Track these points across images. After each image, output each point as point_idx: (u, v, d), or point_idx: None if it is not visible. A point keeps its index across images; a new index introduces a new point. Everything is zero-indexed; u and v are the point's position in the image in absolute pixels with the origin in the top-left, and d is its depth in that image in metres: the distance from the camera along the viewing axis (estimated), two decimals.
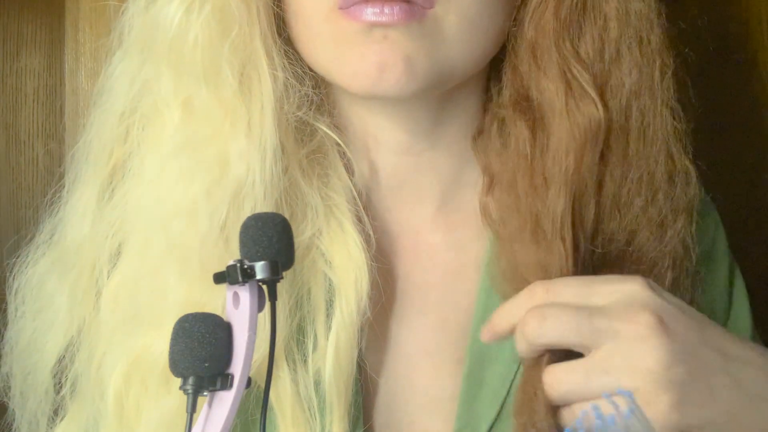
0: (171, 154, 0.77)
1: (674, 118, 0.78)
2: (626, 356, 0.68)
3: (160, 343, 0.75)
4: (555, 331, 0.70)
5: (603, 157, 0.78)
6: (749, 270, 0.92)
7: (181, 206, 0.76)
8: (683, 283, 0.79)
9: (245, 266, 0.59)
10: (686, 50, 0.80)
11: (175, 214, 0.76)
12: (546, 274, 0.76)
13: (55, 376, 0.81)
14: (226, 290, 0.63)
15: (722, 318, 0.87)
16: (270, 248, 0.60)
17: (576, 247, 0.77)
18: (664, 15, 0.77)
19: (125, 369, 0.77)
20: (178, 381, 0.72)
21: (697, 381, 0.69)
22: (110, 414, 0.77)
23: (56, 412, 0.82)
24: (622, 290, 0.71)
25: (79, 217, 0.81)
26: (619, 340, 0.69)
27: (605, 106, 0.77)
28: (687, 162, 0.79)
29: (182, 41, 0.76)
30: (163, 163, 0.77)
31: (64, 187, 0.83)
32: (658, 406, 0.67)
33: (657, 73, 0.77)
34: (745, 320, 0.88)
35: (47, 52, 1.07)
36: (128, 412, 0.77)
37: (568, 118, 0.77)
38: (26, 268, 0.82)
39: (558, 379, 0.71)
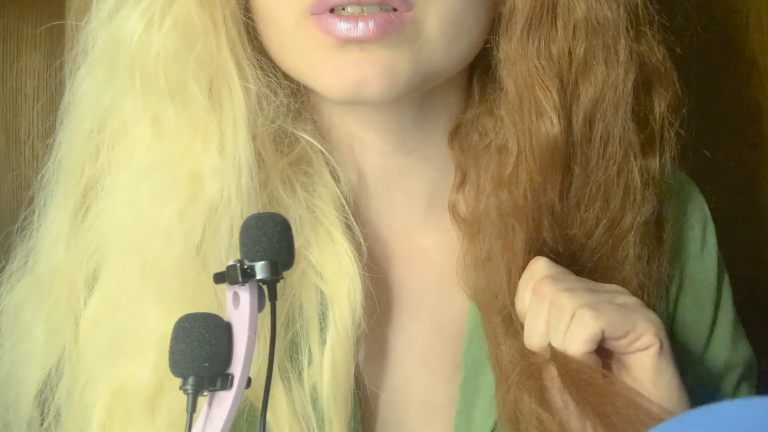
0: (142, 174, 0.74)
1: (638, 130, 0.78)
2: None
3: (142, 372, 0.73)
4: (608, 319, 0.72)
5: (568, 166, 0.78)
6: (749, 270, 0.93)
7: (155, 229, 0.73)
8: (648, 289, 0.81)
9: (245, 266, 0.59)
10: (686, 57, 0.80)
11: (150, 237, 0.73)
12: (507, 280, 0.77)
13: (39, 407, 0.79)
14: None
15: (710, 314, 0.87)
16: (270, 248, 0.60)
17: (537, 249, 0.78)
18: (633, 26, 0.77)
19: (107, 400, 0.75)
20: (163, 410, 0.72)
21: None
22: None
23: None
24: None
25: (52, 241, 0.79)
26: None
27: (567, 119, 0.76)
28: (640, 177, 0.79)
29: (144, 58, 0.74)
30: (134, 184, 0.75)
31: (34, 211, 0.81)
32: (651, 313, 0.75)
33: (622, 86, 0.76)
34: (726, 324, 0.88)
35: (47, 52, 1.07)
36: None
37: (529, 134, 0.77)
38: (1, 296, 0.80)
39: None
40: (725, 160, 1.03)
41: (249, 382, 0.60)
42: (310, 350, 0.76)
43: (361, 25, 0.70)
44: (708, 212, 0.89)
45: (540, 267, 0.76)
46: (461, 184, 0.82)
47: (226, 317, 0.61)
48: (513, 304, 0.78)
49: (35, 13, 1.07)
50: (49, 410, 0.79)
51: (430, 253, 0.83)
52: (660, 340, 0.73)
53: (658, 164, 0.80)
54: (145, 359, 0.73)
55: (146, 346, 0.73)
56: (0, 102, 1.07)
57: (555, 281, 0.75)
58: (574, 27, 0.76)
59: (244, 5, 0.77)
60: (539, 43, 0.76)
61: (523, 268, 0.78)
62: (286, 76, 0.78)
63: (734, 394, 0.86)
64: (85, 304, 0.77)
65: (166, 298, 0.72)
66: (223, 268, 0.68)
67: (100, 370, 0.75)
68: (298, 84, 0.78)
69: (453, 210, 0.82)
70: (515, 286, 0.78)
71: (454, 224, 0.82)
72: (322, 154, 0.80)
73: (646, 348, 0.73)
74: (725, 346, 0.87)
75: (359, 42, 0.71)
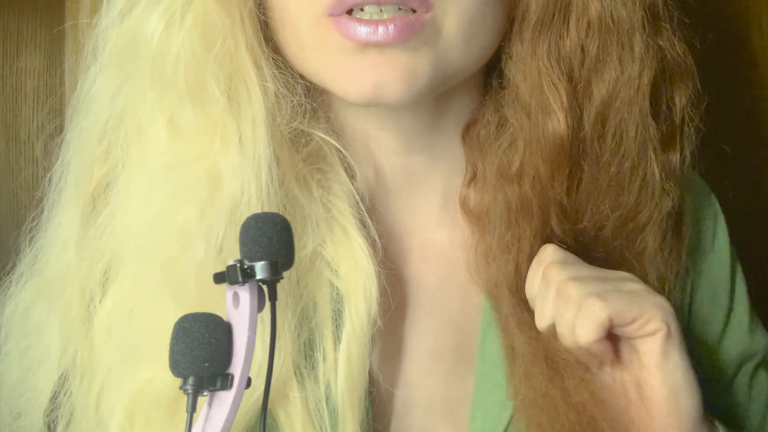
0: (159, 175, 0.74)
1: (655, 126, 0.78)
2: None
3: (161, 376, 0.73)
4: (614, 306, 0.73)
5: (578, 162, 0.78)
6: (750, 270, 0.92)
7: (174, 230, 0.72)
8: (669, 281, 0.81)
9: (245, 266, 0.59)
10: (696, 43, 0.80)
11: (168, 238, 0.73)
12: (516, 270, 0.78)
13: (49, 415, 0.78)
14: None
15: (725, 307, 0.88)
16: (270, 248, 0.60)
17: (545, 240, 0.79)
18: (650, 23, 0.77)
19: (127, 406, 0.74)
20: (184, 414, 0.71)
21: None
22: None
23: None
24: None
25: (62, 243, 0.78)
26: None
27: (578, 117, 0.76)
28: (660, 171, 0.79)
29: (164, 57, 0.73)
30: (151, 185, 0.74)
31: (42, 212, 0.80)
32: (658, 297, 0.76)
33: (637, 82, 0.77)
34: (742, 315, 0.88)
35: (47, 52, 1.07)
36: None
37: (536, 131, 0.77)
38: (8, 300, 0.79)
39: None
40: (725, 160, 1.02)
41: (249, 382, 0.60)
42: (324, 348, 0.76)
43: (381, 29, 0.70)
44: (718, 207, 0.89)
45: (548, 253, 0.78)
46: (472, 179, 0.83)
47: (226, 317, 0.61)
48: (523, 292, 0.79)
49: (35, 13, 1.07)
50: (61, 417, 0.77)
51: (444, 250, 0.83)
52: (667, 325, 0.73)
53: (678, 158, 0.80)
54: (164, 363, 0.72)
55: (165, 350, 0.71)
56: (0, 102, 1.07)
57: (563, 267, 0.76)
58: (588, 25, 0.76)
59: (261, 4, 0.76)
60: (549, 42, 0.76)
61: (532, 258, 0.79)
62: (301, 76, 0.77)
63: (750, 382, 0.87)
64: (98, 308, 0.76)
65: (186, 301, 0.71)
66: None
67: (117, 375, 0.75)
68: (312, 83, 0.78)
69: (464, 204, 0.83)
70: (525, 277, 0.79)
71: (465, 218, 0.82)
72: (338, 151, 0.80)
73: (654, 333, 0.73)
74: (741, 337, 0.87)
75: (378, 46, 0.71)
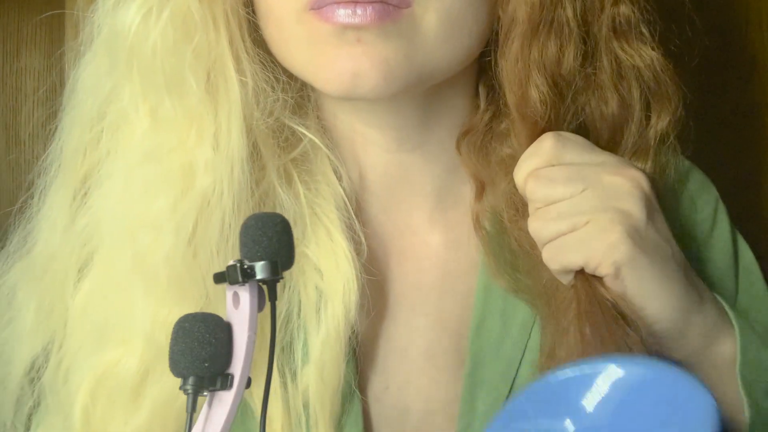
0: (137, 164, 0.75)
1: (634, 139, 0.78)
2: (607, 197, 0.72)
3: (128, 360, 0.74)
4: (547, 187, 0.73)
5: None
6: None
7: (147, 219, 0.74)
8: None
9: (245, 266, 0.59)
10: (685, 56, 0.80)
11: (141, 227, 0.74)
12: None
13: (31, 386, 0.80)
14: (190, 307, 0.66)
15: (731, 296, 0.86)
16: (270, 248, 0.60)
17: None
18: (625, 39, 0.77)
19: (92, 385, 0.75)
20: (147, 399, 0.73)
21: (649, 243, 0.72)
22: (77, 430, 0.76)
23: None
24: (619, 161, 0.76)
25: (50, 226, 0.79)
26: (605, 186, 0.72)
27: (559, 122, 0.76)
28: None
29: (142, 48, 0.74)
30: (129, 174, 0.76)
31: (34, 195, 0.82)
32: (612, 235, 0.71)
33: (617, 94, 0.77)
34: (759, 290, 0.87)
35: (47, 52, 1.07)
36: (95, 429, 0.76)
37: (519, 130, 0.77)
38: None
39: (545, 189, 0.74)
40: (725, 160, 1.03)
41: (249, 382, 0.60)
42: (304, 348, 0.77)
43: (359, 10, 0.71)
44: (717, 194, 0.88)
45: (544, 147, 0.75)
46: (482, 191, 0.82)
47: (226, 317, 0.61)
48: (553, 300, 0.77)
49: (35, 13, 1.07)
50: (32, 394, 0.80)
51: (437, 250, 0.83)
52: (616, 268, 0.71)
53: (647, 167, 0.79)
54: (132, 347, 0.74)
55: (134, 334, 0.74)
56: (0, 102, 1.07)
57: (538, 183, 0.74)
58: (566, 37, 0.75)
59: (245, 1, 0.77)
60: (534, 52, 0.75)
61: None
62: (290, 75, 0.78)
63: None
64: (75, 291, 0.78)
65: (155, 289, 0.73)
66: (212, 261, 0.69)
67: (85, 355, 0.76)
68: (303, 81, 0.79)
69: (476, 220, 0.82)
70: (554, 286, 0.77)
71: (480, 237, 0.82)
72: (327, 151, 0.80)
73: (605, 275, 0.72)
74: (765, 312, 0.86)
75: (357, 29, 0.72)
